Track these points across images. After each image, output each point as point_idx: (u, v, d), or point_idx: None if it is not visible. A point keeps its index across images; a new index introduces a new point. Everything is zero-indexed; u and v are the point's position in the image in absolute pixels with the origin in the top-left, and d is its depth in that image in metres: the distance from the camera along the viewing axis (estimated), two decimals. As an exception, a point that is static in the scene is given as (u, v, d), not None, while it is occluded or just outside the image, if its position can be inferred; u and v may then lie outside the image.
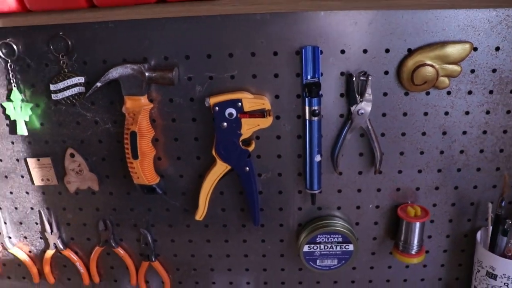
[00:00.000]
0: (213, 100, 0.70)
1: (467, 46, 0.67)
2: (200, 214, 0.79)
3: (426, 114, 0.73)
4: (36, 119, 0.78)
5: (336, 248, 0.80)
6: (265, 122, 0.71)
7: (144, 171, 0.74)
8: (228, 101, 0.70)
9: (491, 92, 0.71)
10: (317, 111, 0.70)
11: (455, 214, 0.81)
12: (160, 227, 0.85)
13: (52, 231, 0.87)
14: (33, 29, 0.71)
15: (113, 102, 0.75)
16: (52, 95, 0.74)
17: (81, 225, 0.87)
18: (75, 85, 0.74)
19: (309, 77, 0.69)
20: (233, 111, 0.70)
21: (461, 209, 0.80)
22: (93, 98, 0.75)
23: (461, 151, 0.75)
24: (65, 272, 0.93)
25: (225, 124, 0.71)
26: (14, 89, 0.75)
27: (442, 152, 0.76)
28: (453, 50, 0.67)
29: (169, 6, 0.66)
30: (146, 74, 0.69)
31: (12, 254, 0.91)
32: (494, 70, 0.70)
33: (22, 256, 0.91)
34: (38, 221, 0.88)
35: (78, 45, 0.72)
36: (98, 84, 0.71)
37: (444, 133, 0.74)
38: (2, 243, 0.89)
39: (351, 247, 0.80)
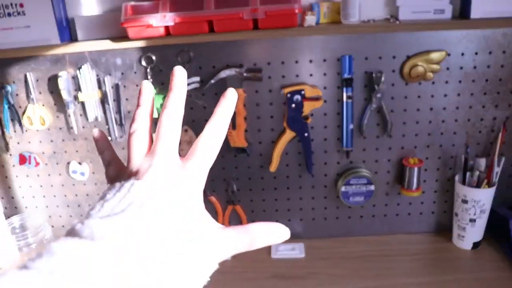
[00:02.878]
0: (286, 90, 1.14)
1: (444, 53, 1.13)
2: (274, 166, 1.22)
3: (419, 97, 1.18)
4: (162, 106, 1.21)
5: (362, 188, 1.24)
6: (318, 104, 1.16)
7: (239, 138, 1.18)
8: (296, 90, 1.14)
9: (460, 81, 1.16)
10: (351, 96, 1.15)
11: (441, 164, 1.26)
12: (242, 180, 1.28)
13: (165, 186, 1.30)
14: (166, 47, 1.15)
15: (217, 93, 1.19)
16: (177, 90, 1.17)
17: (186, 181, 1.30)
18: (193, 82, 1.17)
19: (345, 74, 1.14)
20: (299, 97, 1.15)
21: (444, 161, 1.25)
22: (204, 91, 1.18)
23: (443, 121, 1.21)
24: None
25: (293, 105, 1.15)
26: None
27: (430, 122, 1.21)
28: (435, 56, 1.13)
29: (259, 32, 1.10)
30: (244, 74, 1.13)
31: (133, 205, 1.32)
32: (461, 68, 1.15)
33: (140, 206, 1.33)
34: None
35: (196, 56, 1.15)
36: (212, 81, 1.14)
37: (431, 109, 1.19)
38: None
39: (372, 187, 1.24)
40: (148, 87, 0.41)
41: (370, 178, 1.23)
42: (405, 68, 1.14)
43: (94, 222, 0.27)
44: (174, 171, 0.34)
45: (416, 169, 1.21)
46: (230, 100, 0.38)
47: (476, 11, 1.09)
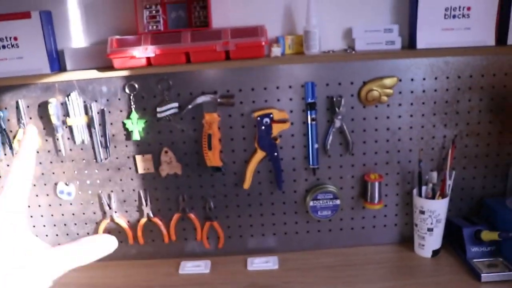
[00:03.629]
0: (256, 114, 1.28)
1: (395, 78, 1.28)
2: (247, 184, 1.34)
3: (376, 118, 1.32)
4: (144, 130, 1.33)
5: (329, 203, 1.37)
6: (286, 126, 1.30)
7: (214, 158, 1.30)
8: (265, 114, 1.28)
9: (411, 104, 1.31)
10: (314, 118, 1.29)
11: (400, 179, 1.39)
12: (218, 197, 1.40)
13: (146, 205, 1.40)
14: (148, 76, 1.28)
15: (194, 118, 1.31)
16: (157, 114, 1.30)
17: (166, 199, 1.40)
18: (172, 108, 1.30)
19: (309, 99, 1.29)
20: (268, 120, 1.28)
21: (403, 176, 1.39)
22: (182, 115, 1.31)
23: (399, 139, 1.35)
24: (151, 235, 1.45)
25: (263, 127, 1.29)
26: (133, 111, 1.31)
27: (387, 140, 1.35)
28: (388, 81, 1.28)
29: (232, 62, 1.24)
30: (218, 100, 1.27)
31: (117, 223, 1.42)
32: (412, 92, 1.30)
33: (123, 224, 1.42)
34: (137, 199, 1.41)
35: (175, 84, 1.29)
36: (190, 106, 1.27)
37: (388, 129, 1.34)
38: (111, 215, 1.41)
39: (338, 201, 1.36)
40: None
41: (335, 193, 1.35)
42: (362, 93, 1.29)
43: None
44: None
45: (377, 183, 1.34)
46: (29, 133, 0.42)
47: (421, 42, 1.26)
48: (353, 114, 1.32)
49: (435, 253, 1.34)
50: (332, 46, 1.32)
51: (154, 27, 1.27)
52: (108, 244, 0.39)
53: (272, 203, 1.41)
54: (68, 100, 1.30)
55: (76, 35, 1.34)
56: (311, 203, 1.36)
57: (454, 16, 1.24)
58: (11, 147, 1.35)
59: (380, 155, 1.36)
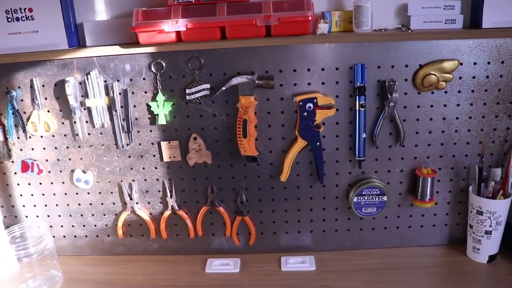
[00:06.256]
0: (298, 98, 1.17)
1: (456, 62, 1.16)
2: (284, 176, 1.24)
3: (431, 106, 1.21)
4: (171, 113, 1.23)
5: (375, 199, 1.26)
6: (331, 112, 1.18)
7: (249, 146, 1.20)
8: (308, 98, 1.17)
9: (472, 91, 1.19)
10: (363, 104, 1.18)
11: (454, 175, 1.28)
12: (251, 190, 1.30)
13: (171, 196, 1.31)
14: (177, 53, 1.17)
15: (227, 101, 1.21)
16: (187, 96, 1.19)
17: (193, 191, 1.31)
18: (203, 89, 1.19)
19: (358, 83, 1.17)
20: (311, 105, 1.17)
21: (457, 171, 1.28)
22: (213, 98, 1.21)
23: (456, 131, 1.23)
24: (175, 229, 1.36)
25: (305, 113, 1.18)
26: (159, 93, 1.21)
27: (443, 131, 1.23)
28: (447, 65, 1.16)
29: (272, 39, 1.13)
30: (256, 81, 1.16)
31: (138, 215, 1.33)
32: (473, 77, 1.18)
33: (145, 217, 1.33)
34: (161, 189, 1.31)
35: (207, 63, 1.18)
36: (223, 88, 1.17)
37: (444, 118, 1.22)
38: (132, 207, 1.32)
39: (385, 198, 1.26)
40: None
41: (383, 188, 1.25)
42: (417, 77, 1.17)
43: None
44: None
45: (429, 179, 1.23)
46: None
47: (487, 21, 1.14)
48: (406, 101, 1.20)
49: (491, 258, 1.24)
50: (384, 24, 1.20)
51: (185, -2, 1.16)
52: None
53: (311, 197, 1.30)
54: (88, 79, 1.20)
55: (98, 6, 1.23)
56: (355, 199, 1.26)
57: (529, -9, 1.12)
58: (24, 130, 1.25)
59: (433, 148, 1.25)
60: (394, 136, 1.24)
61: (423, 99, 1.20)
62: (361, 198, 1.26)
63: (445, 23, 1.18)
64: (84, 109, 1.24)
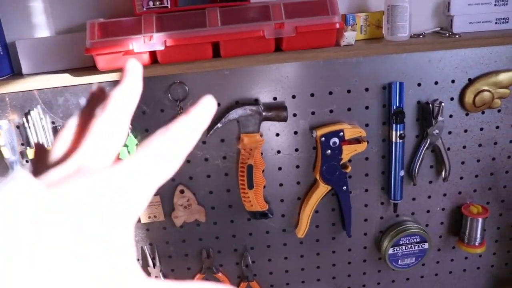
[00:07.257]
0: (320, 132, 0.89)
1: (512, 73, 0.92)
2: (302, 231, 0.96)
3: (481, 129, 0.96)
4: (148, 161, 0.92)
5: (414, 248, 1.01)
6: (361, 147, 0.91)
7: (257, 199, 0.91)
8: (332, 132, 0.89)
9: (529, 108, 0.96)
10: (403, 134, 0.91)
11: (504, 208, 1.05)
12: (259, 249, 1.01)
13: (154, 265, 1.00)
14: (152, 79, 0.86)
15: (223, 140, 0.91)
16: (169, 138, 0.88)
17: (183, 256, 1.01)
18: (191, 127, 0.88)
19: (395, 106, 0.90)
20: (337, 140, 0.89)
21: (509, 205, 1.05)
22: (205, 138, 0.90)
23: (508, 157, 1.00)
24: (160, 303, 1.05)
25: (329, 151, 0.90)
26: (130, 135, 0.89)
27: (493, 159, 1.00)
28: (505, 77, 0.91)
29: (283, 54, 0.84)
30: (263, 113, 0.86)
31: (110, 292, 1.01)
32: (531, 91, 0.95)
33: (120, 292, 1.02)
34: (140, 257, 1.00)
35: (193, 90, 0.87)
36: (219, 125, 0.86)
37: (495, 143, 0.98)
38: (101, 282, 1.00)
39: (426, 245, 1.01)
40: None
41: (423, 235, 1.00)
42: (467, 95, 0.92)
43: None
44: None
45: (480, 220, 0.99)
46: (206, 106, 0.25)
47: (552, 20, 0.90)
48: (451, 125, 0.95)
49: (553, 306, 1.03)
50: (417, 27, 0.94)
51: (158, 2, 0.84)
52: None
53: (334, 251, 1.04)
54: (28, 121, 0.86)
55: (36, 18, 0.89)
56: (390, 250, 1.00)
57: None
58: None
59: (481, 179, 1.01)
60: (436, 169, 0.98)
61: (471, 121, 0.95)
62: (398, 249, 1.01)
63: (496, 23, 0.93)
64: (27, 161, 0.90)
